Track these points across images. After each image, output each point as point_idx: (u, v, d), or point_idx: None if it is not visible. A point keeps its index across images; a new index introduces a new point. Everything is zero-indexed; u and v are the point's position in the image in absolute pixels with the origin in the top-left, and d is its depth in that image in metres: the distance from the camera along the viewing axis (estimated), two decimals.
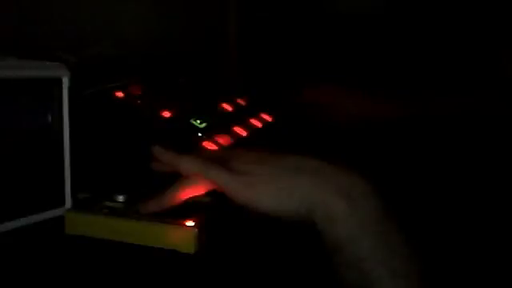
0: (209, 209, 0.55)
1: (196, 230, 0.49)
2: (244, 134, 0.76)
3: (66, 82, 0.53)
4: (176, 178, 0.52)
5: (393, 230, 0.45)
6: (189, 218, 0.50)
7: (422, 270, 0.44)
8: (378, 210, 0.45)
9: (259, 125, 0.82)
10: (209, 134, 0.69)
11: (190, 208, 0.53)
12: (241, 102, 0.86)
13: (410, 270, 0.44)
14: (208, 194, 0.53)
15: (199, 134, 0.68)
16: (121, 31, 0.88)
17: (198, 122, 0.70)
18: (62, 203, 0.54)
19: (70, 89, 0.53)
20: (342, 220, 0.45)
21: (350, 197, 0.45)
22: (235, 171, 0.49)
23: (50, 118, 0.52)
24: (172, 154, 0.53)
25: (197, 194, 0.52)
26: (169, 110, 0.70)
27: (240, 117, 0.80)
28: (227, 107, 0.82)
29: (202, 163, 0.50)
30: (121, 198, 0.54)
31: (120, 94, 0.69)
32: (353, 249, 0.44)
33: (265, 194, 0.47)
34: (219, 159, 0.51)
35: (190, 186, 0.51)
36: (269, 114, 0.87)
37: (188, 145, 0.66)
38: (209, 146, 0.67)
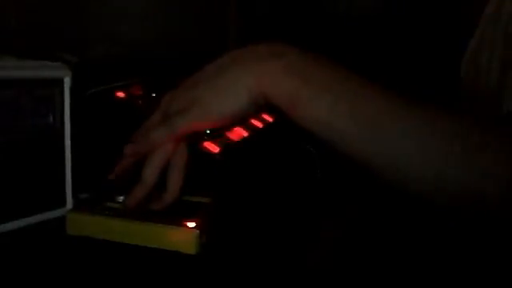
0: (210, 210, 0.55)
1: (197, 231, 0.49)
2: (244, 134, 0.76)
3: (67, 82, 0.53)
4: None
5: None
6: (190, 219, 0.50)
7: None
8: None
9: (259, 125, 0.82)
10: (209, 134, 0.69)
11: (191, 209, 0.53)
12: None
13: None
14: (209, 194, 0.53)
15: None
16: (122, 31, 0.88)
17: None
18: (63, 204, 0.54)
19: (72, 89, 0.53)
20: (289, 82, 0.47)
21: (280, 56, 0.48)
22: (186, 108, 0.50)
23: (51, 119, 0.52)
24: (138, 141, 0.53)
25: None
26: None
27: None
28: None
29: (165, 124, 0.51)
30: (122, 199, 0.54)
31: (121, 95, 0.69)
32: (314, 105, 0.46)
33: (221, 103, 0.49)
34: (166, 113, 0.52)
35: (179, 156, 0.52)
36: (269, 114, 0.87)
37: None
38: (210, 146, 0.67)
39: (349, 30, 1.15)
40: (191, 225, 0.50)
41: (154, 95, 0.72)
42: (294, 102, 0.47)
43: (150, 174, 0.52)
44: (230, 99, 0.49)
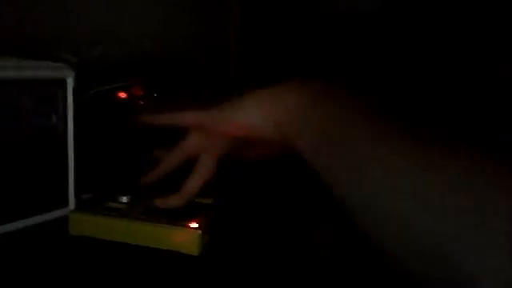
0: (212, 210, 0.55)
1: (200, 231, 0.49)
2: None
3: (70, 82, 0.53)
4: (178, 176, 0.54)
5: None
6: (193, 219, 0.51)
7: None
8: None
9: None
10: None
11: (193, 210, 0.53)
12: None
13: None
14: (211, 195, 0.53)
15: None
16: (121, 31, 0.88)
17: None
18: (66, 204, 0.54)
19: (74, 89, 0.53)
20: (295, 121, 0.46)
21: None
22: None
23: (54, 119, 0.52)
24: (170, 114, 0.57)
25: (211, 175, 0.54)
26: (171, 110, 0.70)
27: None
28: None
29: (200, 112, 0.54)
30: (124, 199, 0.55)
31: (122, 95, 0.69)
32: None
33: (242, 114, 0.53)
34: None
35: (205, 168, 0.54)
36: None
37: None
38: None
39: (348, 31, 1.16)
40: (193, 225, 0.50)
41: (155, 95, 0.72)
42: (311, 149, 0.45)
43: (194, 186, 0.54)
44: (248, 112, 0.52)
